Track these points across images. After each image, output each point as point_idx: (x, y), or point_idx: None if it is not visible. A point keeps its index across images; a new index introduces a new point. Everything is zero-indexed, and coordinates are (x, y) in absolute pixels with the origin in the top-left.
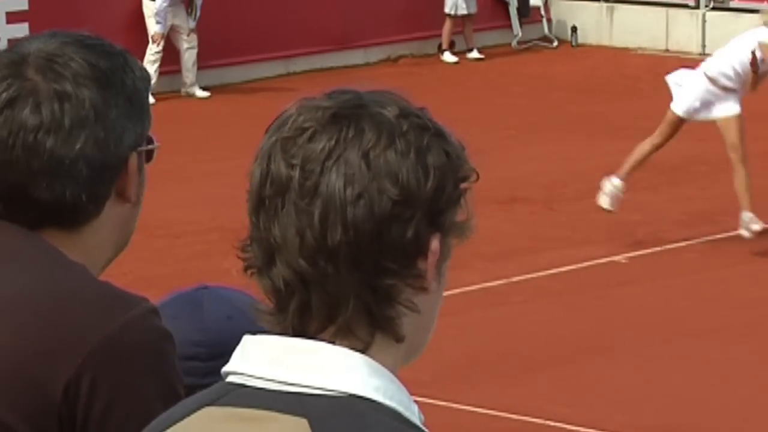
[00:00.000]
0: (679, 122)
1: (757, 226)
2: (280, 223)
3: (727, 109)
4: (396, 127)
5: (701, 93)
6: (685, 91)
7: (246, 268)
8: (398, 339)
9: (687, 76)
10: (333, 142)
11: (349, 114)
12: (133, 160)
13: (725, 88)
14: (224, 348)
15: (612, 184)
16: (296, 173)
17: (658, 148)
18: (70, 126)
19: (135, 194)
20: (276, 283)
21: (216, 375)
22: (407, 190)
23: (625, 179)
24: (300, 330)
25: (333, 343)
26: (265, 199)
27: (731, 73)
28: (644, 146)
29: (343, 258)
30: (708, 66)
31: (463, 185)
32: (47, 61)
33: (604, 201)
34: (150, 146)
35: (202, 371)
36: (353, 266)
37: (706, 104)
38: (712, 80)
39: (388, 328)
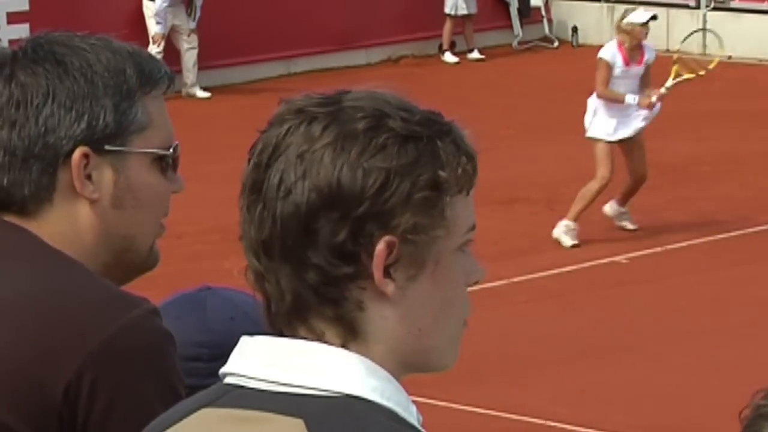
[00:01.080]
0: (610, 147)
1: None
2: (243, 218)
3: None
4: (350, 125)
5: (614, 113)
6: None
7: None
8: (354, 336)
9: (593, 104)
10: (281, 137)
11: (312, 109)
12: (78, 154)
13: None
14: (227, 349)
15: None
16: (250, 168)
17: (608, 182)
18: None
19: (110, 195)
20: (249, 279)
21: (218, 376)
22: (337, 188)
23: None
24: (279, 328)
25: (319, 339)
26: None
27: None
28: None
29: (276, 251)
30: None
31: (434, 190)
32: (21, 51)
33: (566, 241)
34: (148, 150)
35: (204, 372)
36: (284, 260)
37: (624, 122)
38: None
39: (344, 327)
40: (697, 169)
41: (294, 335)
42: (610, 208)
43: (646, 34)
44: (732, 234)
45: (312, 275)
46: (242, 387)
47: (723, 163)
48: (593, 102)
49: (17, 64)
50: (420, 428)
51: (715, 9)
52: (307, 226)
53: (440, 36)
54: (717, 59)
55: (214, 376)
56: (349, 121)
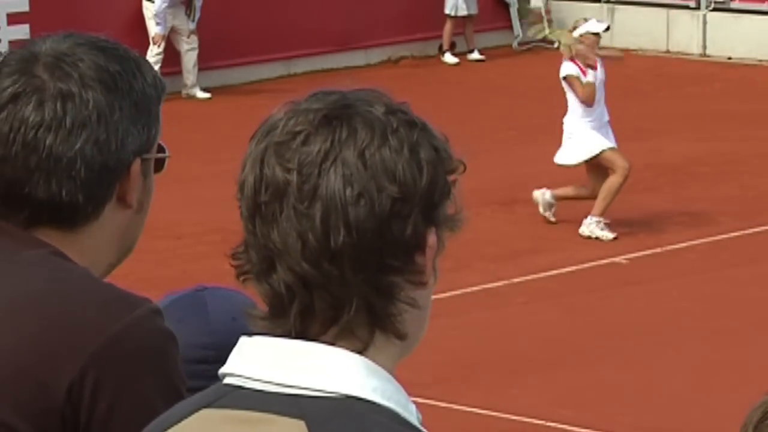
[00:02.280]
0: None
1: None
2: (279, 228)
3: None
4: (387, 125)
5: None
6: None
7: (239, 275)
8: (400, 336)
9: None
10: (328, 143)
11: (339, 114)
12: (136, 165)
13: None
14: (231, 350)
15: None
16: (293, 177)
17: (629, 171)
18: (71, 125)
19: (137, 200)
20: (276, 288)
21: None
22: (405, 186)
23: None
24: (301, 332)
25: (333, 344)
26: (261, 205)
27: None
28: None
29: (347, 259)
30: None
31: (451, 177)
32: (56, 59)
33: (607, 235)
34: (160, 155)
35: (211, 374)
36: (357, 266)
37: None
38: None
39: (390, 326)
40: (697, 169)
41: (320, 340)
42: (542, 195)
43: (597, 43)
44: (732, 234)
45: (380, 277)
46: (242, 388)
47: (723, 164)
48: (568, 126)
49: (83, 76)
50: (420, 428)
51: (715, 9)
52: (380, 227)
53: (440, 37)
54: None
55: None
56: (381, 121)
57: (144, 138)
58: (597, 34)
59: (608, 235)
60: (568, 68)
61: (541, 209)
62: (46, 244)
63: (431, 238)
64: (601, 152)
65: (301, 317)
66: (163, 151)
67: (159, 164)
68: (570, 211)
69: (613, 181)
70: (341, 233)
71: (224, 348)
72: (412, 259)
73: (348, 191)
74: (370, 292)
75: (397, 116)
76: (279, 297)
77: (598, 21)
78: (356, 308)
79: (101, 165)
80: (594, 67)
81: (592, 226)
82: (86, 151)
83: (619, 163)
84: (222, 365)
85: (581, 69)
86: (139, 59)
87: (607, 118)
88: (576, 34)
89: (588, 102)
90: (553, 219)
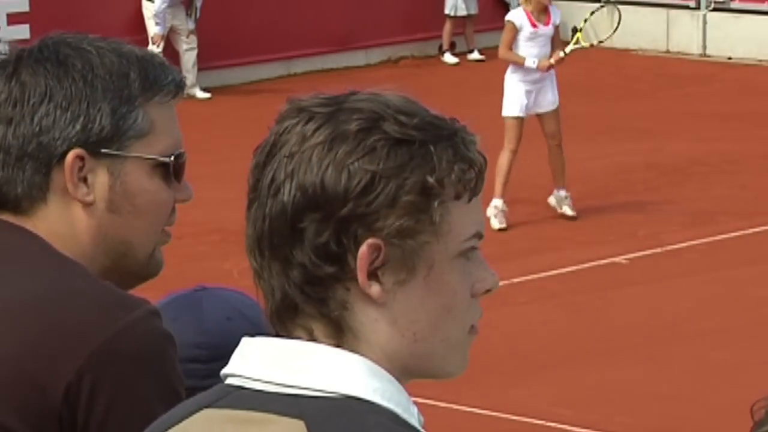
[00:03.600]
0: (520, 122)
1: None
2: (246, 218)
3: (552, 102)
4: (343, 125)
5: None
6: (509, 93)
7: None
8: (341, 332)
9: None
10: (281, 135)
11: (312, 111)
12: (72, 156)
13: (536, 81)
14: (224, 350)
15: (494, 206)
16: (252, 166)
17: (514, 154)
18: None
19: (104, 199)
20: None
21: (216, 377)
22: (322, 189)
23: (503, 196)
24: (278, 328)
25: (306, 337)
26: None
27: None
28: (502, 159)
29: (266, 248)
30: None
31: (422, 195)
32: (27, 50)
33: (495, 223)
34: (114, 152)
35: (202, 373)
36: (273, 257)
37: (532, 98)
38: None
39: (332, 326)
40: (697, 169)
41: (288, 334)
42: (554, 198)
43: None
44: (732, 234)
45: (296, 273)
46: (243, 388)
47: (723, 163)
48: (508, 79)
49: (21, 63)
50: (421, 429)
51: (715, 9)
52: (292, 225)
53: (440, 37)
54: (613, 31)
55: (213, 377)
56: (343, 122)
57: (83, 129)
58: None
59: (496, 223)
60: (514, 14)
61: (565, 209)
62: (47, 243)
63: (362, 249)
64: (504, 117)
65: (267, 311)
66: (180, 158)
67: (168, 169)
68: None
69: (500, 160)
70: (260, 221)
71: (217, 347)
72: (339, 265)
73: (272, 185)
74: (289, 285)
75: (376, 122)
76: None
77: None
78: (282, 299)
79: (17, 149)
80: (546, 23)
81: (490, 209)
82: None
83: (508, 138)
84: (215, 365)
85: (531, 21)
86: (132, 56)
87: (548, 77)
88: None
89: (500, 55)
90: (571, 213)
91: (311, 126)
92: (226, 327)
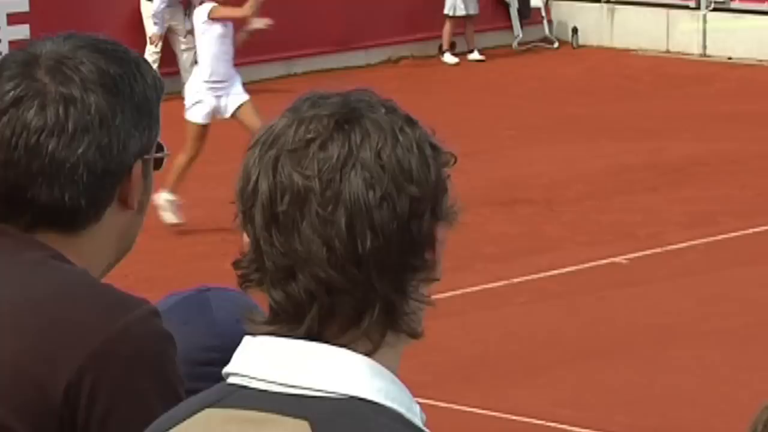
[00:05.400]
0: (204, 130)
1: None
2: (301, 236)
3: (239, 98)
4: (393, 125)
5: (209, 95)
6: (193, 100)
7: (243, 282)
8: (415, 335)
9: (189, 88)
10: (345, 148)
11: (350, 118)
12: (138, 167)
13: (220, 81)
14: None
15: (164, 198)
16: (314, 183)
17: (193, 160)
18: (73, 130)
19: (137, 202)
20: (294, 294)
21: None
22: (421, 185)
23: (175, 190)
24: (317, 335)
25: (346, 346)
26: (279, 214)
27: (211, 67)
28: (180, 160)
29: (374, 263)
30: (198, 71)
31: (446, 171)
32: (57, 63)
33: (168, 217)
34: (159, 154)
35: (217, 376)
36: (383, 269)
37: (220, 102)
38: (208, 81)
39: (404, 326)
40: (697, 169)
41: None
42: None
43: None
44: (732, 234)
45: (404, 278)
46: (246, 387)
47: (723, 163)
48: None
49: (77, 74)
50: (424, 429)
51: (715, 9)
52: (402, 228)
53: (440, 37)
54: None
55: None
56: (385, 121)
57: (145, 140)
58: None
59: (170, 217)
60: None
61: (167, 217)
62: (47, 246)
63: (440, 234)
64: (195, 122)
65: (319, 321)
66: (162, 150)
67: (158, 163)
68: (571, 211)
69: (179, 158)
70: (368, 237)
71: (230, 350)
72: (423, 257)
73: (371, 194)
74: (394, 293)
75: (397, 115)
76: (296, 303)
77: None
78: (378, 311)
79: (103, 169)
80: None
81: (160, 200)
82: (89, 155)
83: (193, 149)
84: None
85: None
86: (139, 60)
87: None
88: None
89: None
90: (176, 220)
91: (373, 132)
92: (237, 328)
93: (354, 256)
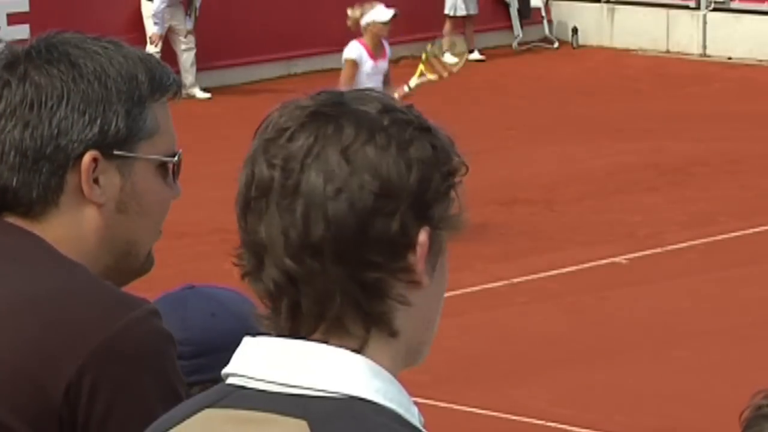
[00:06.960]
0: None
1: None
2: (265, 223)
3: None
4: (376, 122)
5: None
6: None
7: (243, 276)
8: (391, 333)
9: None
10: (312, 139)
11: (328, 111)
12: (88, 157)
13: None
14: (208, 346)
15: None
16: (277, 173)
17: None
18: (2, 111)
19: (114, 200)
20: (267, 285)
21: (201, 373)
22: (388, 183)
23: None
24: (293, 331)
25: (326, 342)
26: (251, 201)
27: None
28: None
29: (328, 253)
30: None
31: (453, 179)
32: (34, 50)
33: None
34: (151, 157)
35: (186, 370)
36: (338, 261)
37: None
38: None
39: (380, 323)
40: (697, 169)
41: (311, 338)
42: None
43: (388, 31)
44: (732, 234)
45: (362, 272)
46: (245, 388)
47: (723, 163)
48: None
49: (31, 64)
50: (422, 429)
51: (715, 9)
52: (361, 223)
53: (440, 37)
54: (464, 59)
55: (197, 373)
56: (371, 119)
57: (100, 131)
58: (386, 23)
59: None
60: (353, 51)
61: None
62: (47, 243)
63: (422, 237)
64: None
65: (290, 314)
66: (181, 157)
67: (168, 169)
68: (571, 211)
69: None
70: (320, 227)
71: (200, 344)
72: (401, 257)
73: (328, 186)
74: (354, 287)
75: (392, 114)
76: (269, 295)
77: (385, 8)
78: (341, 303)
79: (35, 153)
80: (383, 56)
81: None
82: (15, 137)
83: None
84: (198, 361)
85: (371, 54)
86: (113, 55)
87: None
88: (363, 22)
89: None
90: None
91: (348, 127)
92: (210, 323)
93: (308, 245)
